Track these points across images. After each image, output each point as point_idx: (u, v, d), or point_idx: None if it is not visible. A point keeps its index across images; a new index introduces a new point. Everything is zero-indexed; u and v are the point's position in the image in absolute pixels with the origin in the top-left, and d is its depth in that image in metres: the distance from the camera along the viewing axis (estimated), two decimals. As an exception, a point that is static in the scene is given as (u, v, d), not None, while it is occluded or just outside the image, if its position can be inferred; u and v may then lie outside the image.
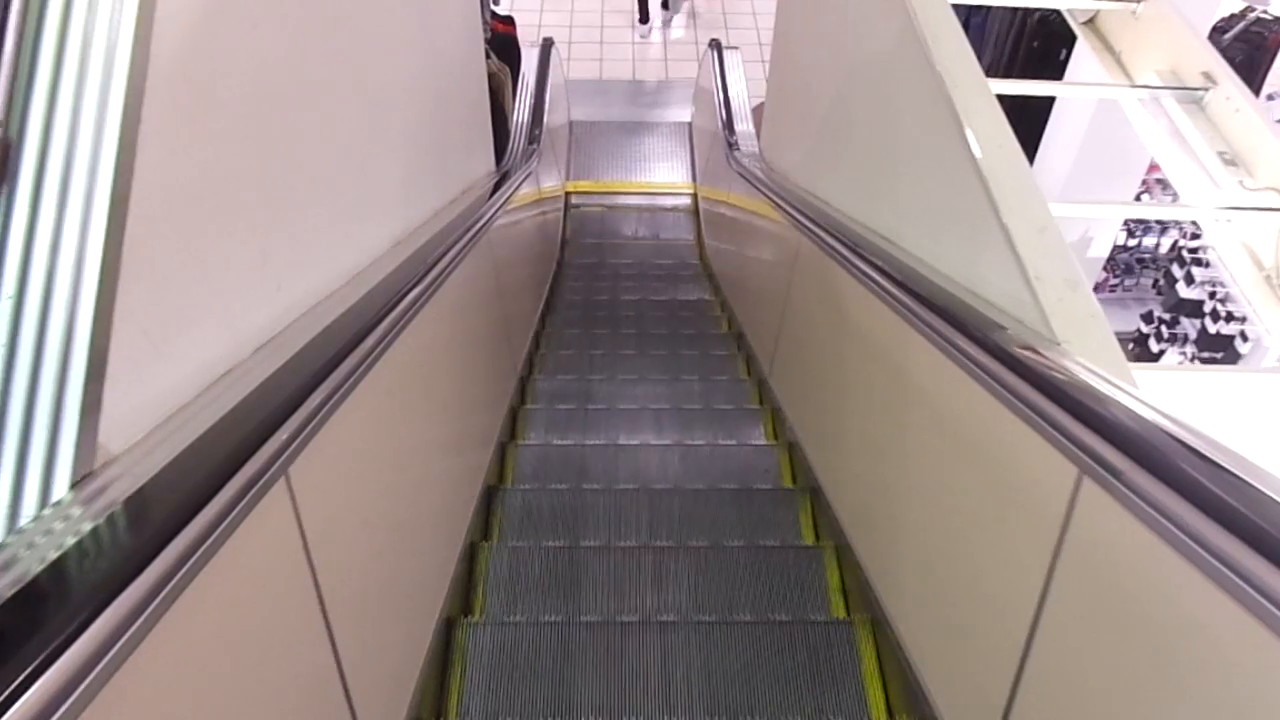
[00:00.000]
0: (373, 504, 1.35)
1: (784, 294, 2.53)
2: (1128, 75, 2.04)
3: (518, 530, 2.17)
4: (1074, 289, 1.24)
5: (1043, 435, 1.03)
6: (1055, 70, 5.22)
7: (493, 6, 4.31)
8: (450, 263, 1.91)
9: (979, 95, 1.54)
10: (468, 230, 2.09)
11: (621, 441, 2.59)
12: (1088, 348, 1.16)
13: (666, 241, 5.60)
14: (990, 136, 1.47)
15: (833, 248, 1.92)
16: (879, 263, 1.67)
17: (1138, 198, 3.86)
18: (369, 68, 1.64)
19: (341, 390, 1.10)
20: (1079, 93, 3.11)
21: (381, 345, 1.29)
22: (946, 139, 1.53)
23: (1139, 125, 1.91)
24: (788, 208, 2.36)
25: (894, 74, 1.84)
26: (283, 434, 0.90)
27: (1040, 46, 5.41)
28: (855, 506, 1.94)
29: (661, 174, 6.17)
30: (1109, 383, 0.94)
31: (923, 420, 1.53)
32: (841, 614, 1.91)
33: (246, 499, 0.84)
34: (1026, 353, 1.13)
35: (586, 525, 2.16)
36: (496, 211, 2.69)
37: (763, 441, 2.67)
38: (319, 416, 1.02)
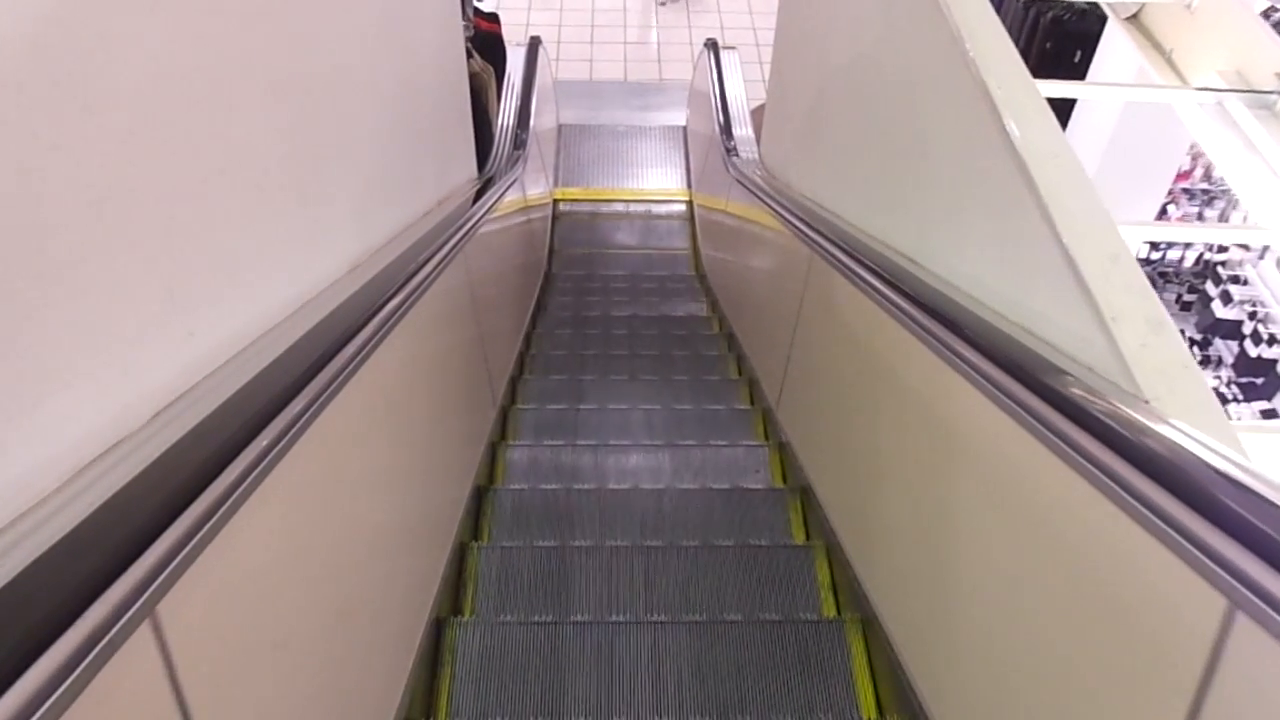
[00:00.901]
0: (296, 615, 1.14)
1: (793, 318, 2.34)
2: (1180, 76, 1.87)
3: (495, 604, 1.96)
4: (1159, 331, 1.05)
5: (1147, 529, 0.84)
6: (1070, 72, 5.06)
7: (476, 2, 4.12)
8: (417, 288, 1.71)
9: (1029, 98, 1.36)
10: (441, 247, 1.89)
11: (612, 486, 2.39)
12: (1181, 405, 0.97)
13: (660, 251, 5.42)
14: (1044, 145, 1.28)
15: (854, 271, 1.73)
16: (917, 295, 1.48)
17: (1163, 209, 3.69)
18: (317, 64, 1.44)
19: (257, 471, 0.89)
20: (1130, 95, 2.93)
21: (321, 400, 1.09)
22: (989, 147, 1.35)
23: (1198, 133, 1.73)
24: (797, 222, 2.17)
25: (924, 73, 1.65)
26: (153, 554, 0.68)
27: (1054, 48, 5.25)
28: (900, 611, 1.73)
29: (655, 180, 5.99)
30: (1248, 473, 0.74)
31: (977, 493, 1.33)
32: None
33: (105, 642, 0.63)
34: (1112, 411, 0.94)
35: (571, 596, 1.96)
36: (476, 224, 2.49)
37: (767, 486, 2.48)
38: (221, 511, 0.81)
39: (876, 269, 1.63)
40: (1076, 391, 1.02)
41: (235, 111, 1.10)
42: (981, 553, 1.31)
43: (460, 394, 2.22)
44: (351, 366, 1.23)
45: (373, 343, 1.34)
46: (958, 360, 1.31)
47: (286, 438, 0.97)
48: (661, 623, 1.80)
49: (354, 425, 1.33)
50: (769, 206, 2.67)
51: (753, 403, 3.00)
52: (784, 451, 2.55)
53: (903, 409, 1.62)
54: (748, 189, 3.22)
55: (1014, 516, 1.20)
